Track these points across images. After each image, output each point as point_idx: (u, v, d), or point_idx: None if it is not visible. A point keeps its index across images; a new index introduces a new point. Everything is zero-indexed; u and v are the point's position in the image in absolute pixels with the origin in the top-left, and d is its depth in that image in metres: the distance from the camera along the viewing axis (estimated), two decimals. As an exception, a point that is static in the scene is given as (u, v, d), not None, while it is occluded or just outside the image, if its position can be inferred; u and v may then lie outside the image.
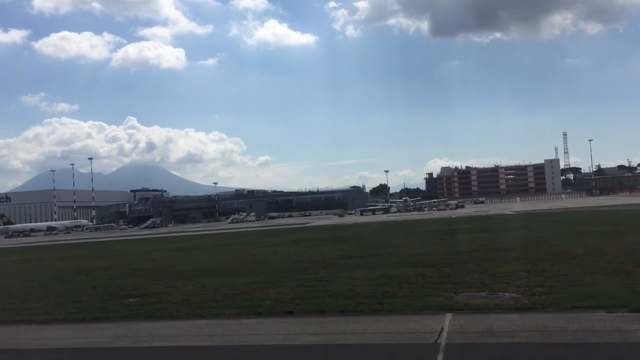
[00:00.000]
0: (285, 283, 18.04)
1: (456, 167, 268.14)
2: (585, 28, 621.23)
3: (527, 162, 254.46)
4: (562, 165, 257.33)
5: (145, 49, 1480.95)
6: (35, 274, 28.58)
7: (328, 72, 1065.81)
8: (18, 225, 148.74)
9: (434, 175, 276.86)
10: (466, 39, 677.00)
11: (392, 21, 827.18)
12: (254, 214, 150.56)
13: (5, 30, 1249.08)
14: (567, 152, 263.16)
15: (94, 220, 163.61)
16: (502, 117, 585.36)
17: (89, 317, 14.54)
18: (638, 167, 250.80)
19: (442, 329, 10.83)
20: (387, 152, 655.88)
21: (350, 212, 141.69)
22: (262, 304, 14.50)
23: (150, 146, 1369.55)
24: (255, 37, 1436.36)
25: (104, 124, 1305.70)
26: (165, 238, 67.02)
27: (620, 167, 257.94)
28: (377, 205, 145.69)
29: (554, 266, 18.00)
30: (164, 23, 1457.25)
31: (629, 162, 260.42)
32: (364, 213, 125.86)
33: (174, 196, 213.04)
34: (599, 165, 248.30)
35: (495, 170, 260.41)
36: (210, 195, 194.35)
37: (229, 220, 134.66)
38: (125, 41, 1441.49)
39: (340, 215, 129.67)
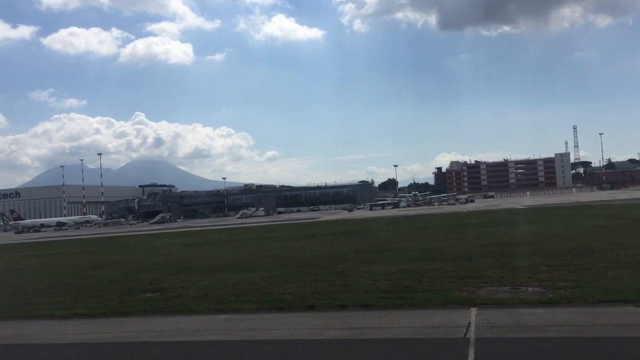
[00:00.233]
0: (302, 277, 17.97)
1: (465, 162, 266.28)
2: (595, 21, 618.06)
3: (536, 156, 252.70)
4: (572, 159, 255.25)
5: (153, 45, 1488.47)
6: (49, 269, 28.67)
7: (335, 67, 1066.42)
8: (28, 221, 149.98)
9: (443, 170, 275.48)
10: (474, 33, 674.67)
11: (399, 15, 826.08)
12: (262, 208, 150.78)
13: (14, 27, 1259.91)
14: (577, 146, 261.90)
15: (104, 216, 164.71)
16: (511, 111, 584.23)
17: (109, 312, 14.52)
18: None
19: (469, 323, 10.70)
20: (395, 147, 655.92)
21: (359, 206, 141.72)
22: (282, 299, 14.42)
23: (158, 141, 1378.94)
24: (262, 32, 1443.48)
25: (112, 120, 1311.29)
26: (175, 233, 67.17)
27: (631, 160, 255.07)
28: (386, 200, 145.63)
29: (575, 260, 17.81)
30: (172, 18, 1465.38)
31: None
32: (374, 208, 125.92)
33: (183, 191, 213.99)
34: (609, 159, 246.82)
35: (504, 164, 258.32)
36: (219, 191, 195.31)
37: (238, 215, 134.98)
38: (133, 37, 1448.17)
39: (350, 210, 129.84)
